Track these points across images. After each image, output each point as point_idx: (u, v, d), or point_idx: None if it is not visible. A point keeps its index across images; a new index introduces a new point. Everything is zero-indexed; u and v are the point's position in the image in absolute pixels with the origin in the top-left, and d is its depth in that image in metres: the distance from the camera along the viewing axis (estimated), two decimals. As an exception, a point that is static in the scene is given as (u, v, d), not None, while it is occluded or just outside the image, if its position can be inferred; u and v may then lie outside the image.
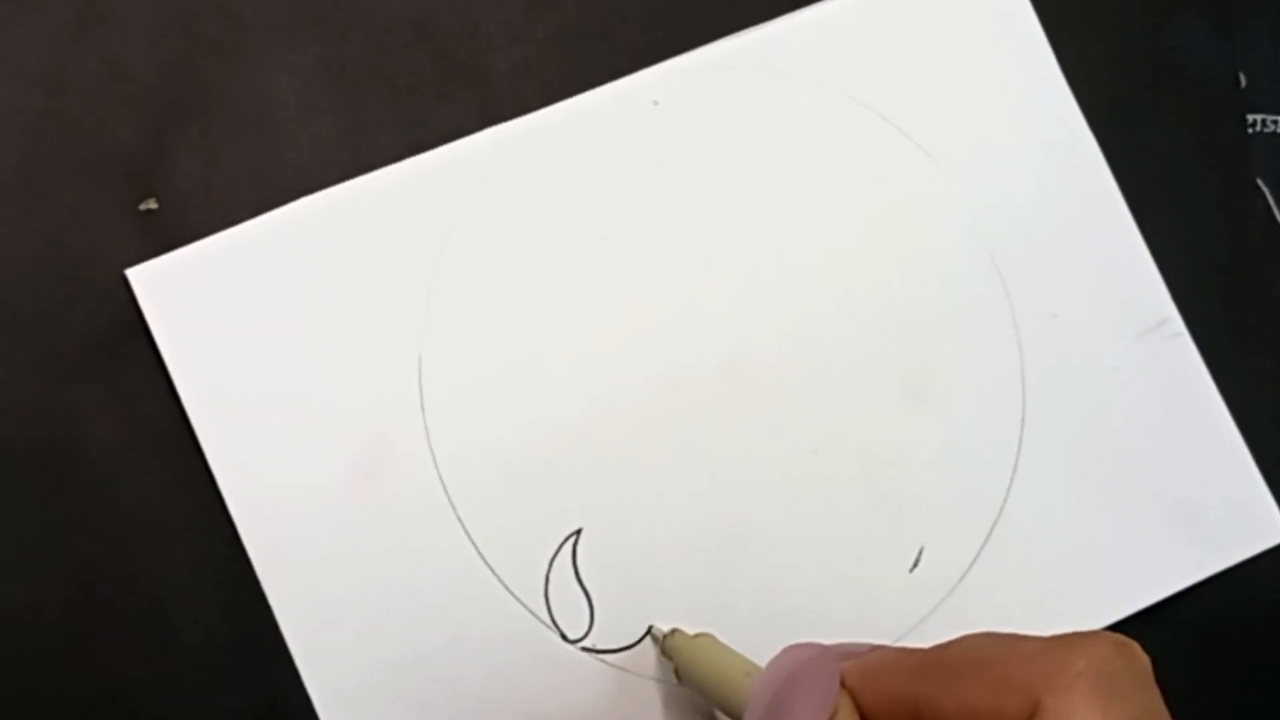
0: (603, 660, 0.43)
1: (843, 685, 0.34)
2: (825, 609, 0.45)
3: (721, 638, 0.41)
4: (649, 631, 0.43)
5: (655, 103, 0.46)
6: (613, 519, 0.44)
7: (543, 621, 0.43)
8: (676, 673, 0.41)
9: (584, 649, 0.43)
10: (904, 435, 0.46)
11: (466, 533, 0.43)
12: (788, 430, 0.45)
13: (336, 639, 0.42)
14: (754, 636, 0.43)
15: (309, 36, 0.45)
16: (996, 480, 0.46)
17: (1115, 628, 0.46)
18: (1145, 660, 0.31)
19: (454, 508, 0.43)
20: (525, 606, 0.43)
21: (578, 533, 0.44)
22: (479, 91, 0.45)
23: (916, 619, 0.45)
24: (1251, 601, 0.47)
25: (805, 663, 0.35)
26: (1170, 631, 0.46)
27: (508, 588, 0.43)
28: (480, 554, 0.43)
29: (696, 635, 0.41)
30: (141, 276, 0.43)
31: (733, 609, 0.44)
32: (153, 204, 0.43)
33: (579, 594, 0.44)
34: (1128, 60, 0.50)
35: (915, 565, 0.45)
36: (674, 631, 0.42)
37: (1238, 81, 0.50)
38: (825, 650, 0.36)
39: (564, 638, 0.43)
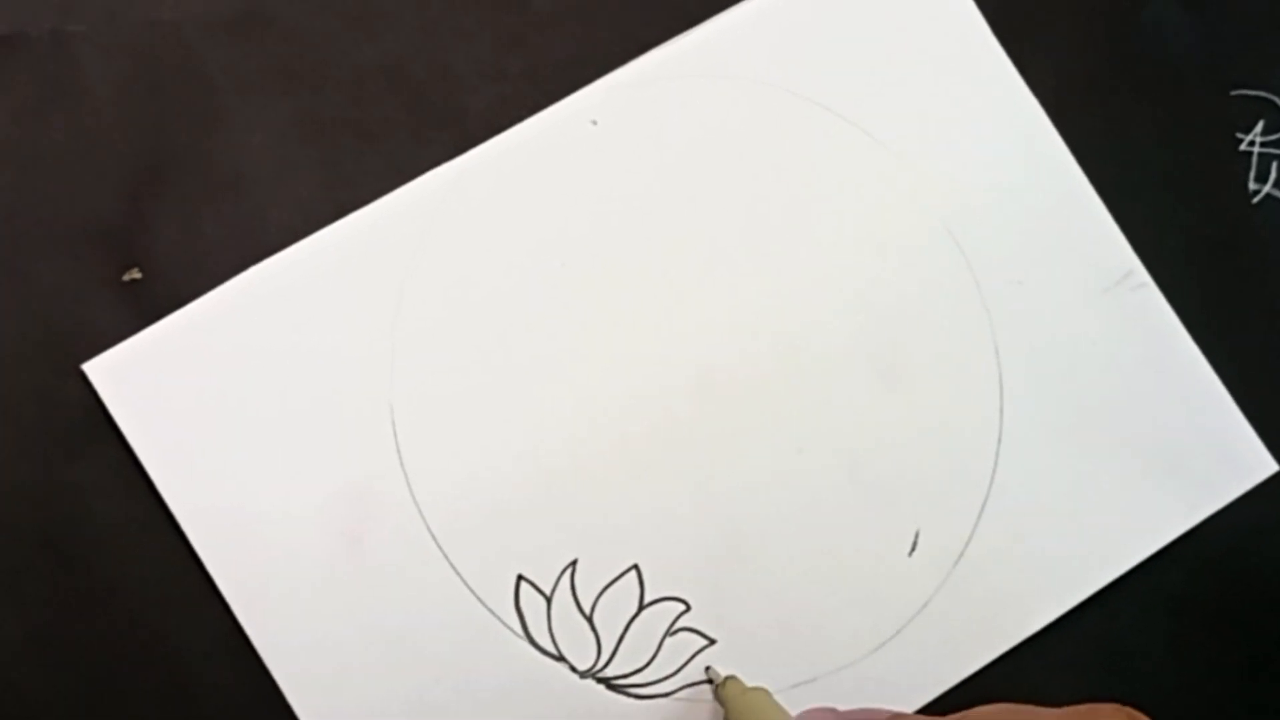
0: (615, 688, 0.43)
1: None
2: (829, 605, 0.44)
3: (776, 695, 0.42)
4: (707, 671, 0.43)
5: (594, 122, 0.46)
6: (606, 544, 0.44)
7: (550, 655, 0.43)
8: (725, 717, 0.42)
9: (597, 679, 0.43)
10: (885, 422, 0.46)
11: (460, 577, 0.43)
12: (769, 433, 0.45)
13: (343, 703, 0.42)
14: (761, 643, 0.44)
15: (280, 91, 0.45)
16: (983, 453, 0.46)
17: (1119, 584, 0.46)
18: None
19: (444, 554, 0.43)
20: (532, 643, 0.43)
21: (574, 563, 0.43)
22: (455, 131, 0.45)
23: (921, 602, 0.45)
24: (1246, 544, 0.47)
25: None
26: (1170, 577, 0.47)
27: (509, 627, 0.43)
28: (477, 597, 0.43)
29: (753, 689, 0.42)
30: (99, 369, 0.42)
31: (737, 617, 0.44)
32: (136, 274, 0.43)
33: (583, 624, 0.43)
34: (1095, 35, 0.50)
35: (913, 549, 0.45)
36: (730, 680, 0.42)
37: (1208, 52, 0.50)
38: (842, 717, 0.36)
39: (573, 669, 0.43)
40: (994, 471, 0.46)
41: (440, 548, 0.43)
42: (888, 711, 0.36)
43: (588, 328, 0.45)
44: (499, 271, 0.45)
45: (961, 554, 0.45)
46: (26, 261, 0.43)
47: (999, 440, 0.46)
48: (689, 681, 0.43)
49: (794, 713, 0.41)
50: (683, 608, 0.44)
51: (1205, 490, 0.47)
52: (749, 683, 0.42)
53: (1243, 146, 0.50)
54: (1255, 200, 0.49)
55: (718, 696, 0.42)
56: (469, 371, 0.44)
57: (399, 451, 0.43)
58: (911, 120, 0.48)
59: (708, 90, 0.47)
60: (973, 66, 0.48)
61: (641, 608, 0.44)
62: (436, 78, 0.46)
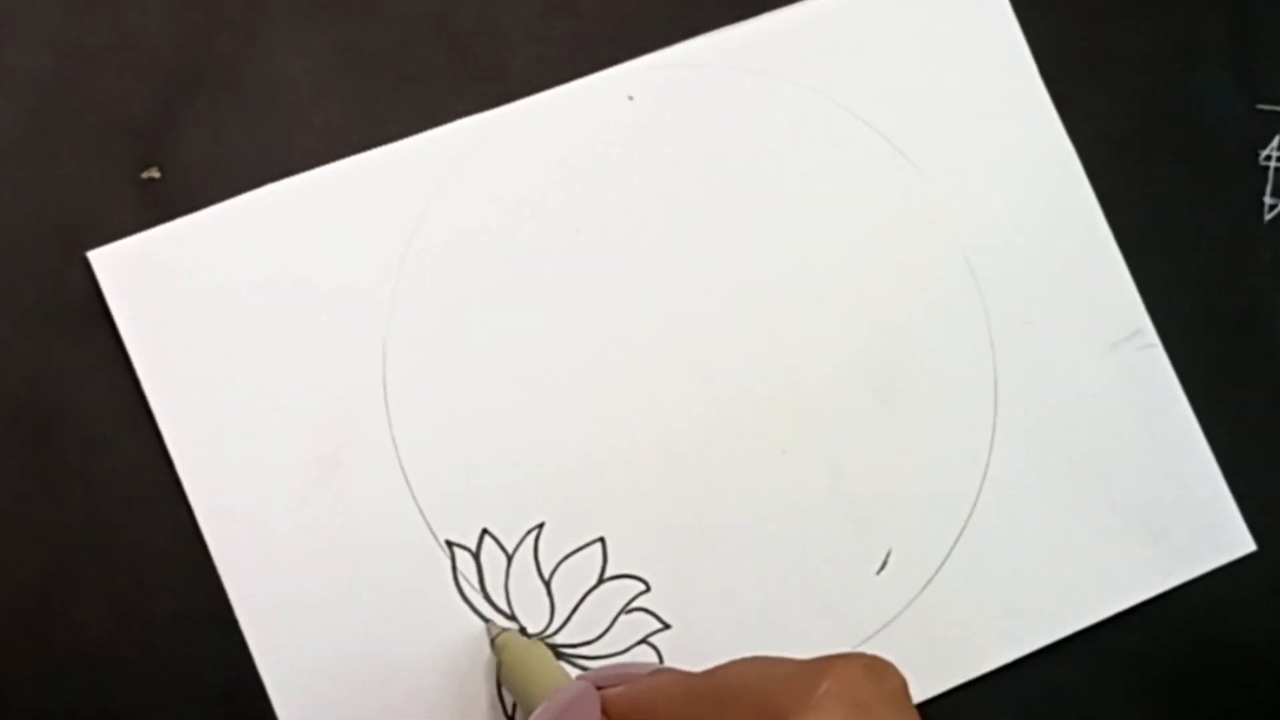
0: (561, 656, 0.43)
1: (606, 715, 0.35)
2: (789, 610, 0.44)
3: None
4: (488, 626, 0.43)
5: (630, 98, 0.46)
6: (576, 513, 0.44)
7: (502, 613, 0.43)
8: (499, 670, 0.41)
9: (545, 644, 0.43)
10: (875, 438, 0.46)
11: (425, 520, 0.43)
12: (757, 430, 0.45)
13: (291, 624, 0.42)
14: (720, 634, 0.43)
15: (328, 20, 0.45)
16: (966, 486, 0.46)
17: (1080, 635, 0.45)
18: (898, 680, 0.31)
19: (413, 496, 0.43)
20: (486, 597, 0.43)
21: (540, 526, 0.43)
22: (493, 86, 0.45)
23: (882, 622, 0.45)
24: (1213, 614, 0.47)
25: (578, 695, 0.36)
26: (1126, 642, 0.46)
27: (465, 579, 0.43)
28: (438, 541, 0.43)
29: (531, 641, 0.42)
30: (103, 258, 0.42)
31: (698, 606, 0.44)
32: (155, 173, 0.43)
33: (540, 588, 0.43)
34: (1141, 92, 0.50)
35: (883, 567, 0.45)
36: (505, 631, 0.42)
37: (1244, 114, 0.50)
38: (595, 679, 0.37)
39: (523, 631, 0.43)
40: (975, 505, 0.46)
41: (410, 488, 0.43)
42: (650, 666, 0.37)
43: (591, 298, 0.45)
44: (512, 229, 0.45)
45: (929, 581, 0.45)
46: (52, 146, 0.43)
47: (984, 475, 0.46)
48: (636, 661, 0.43)
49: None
50: (642, 588, 0.44)
51: (1180, 558, 0.47)
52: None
53: (1267, 216, 0.50)
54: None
55: (494, 650, 0.42)
56: (467, 322, 0.44)
57: (385, 389, 0.43)
58: (947, 146, 0.48)
59: (747, 85, 0.47)
60: (1016, 103, 0.48)
61: (601, 581, 0.43)
62: (483, 31, 0.46)
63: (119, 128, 0.43)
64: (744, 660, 0.33)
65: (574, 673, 0.42)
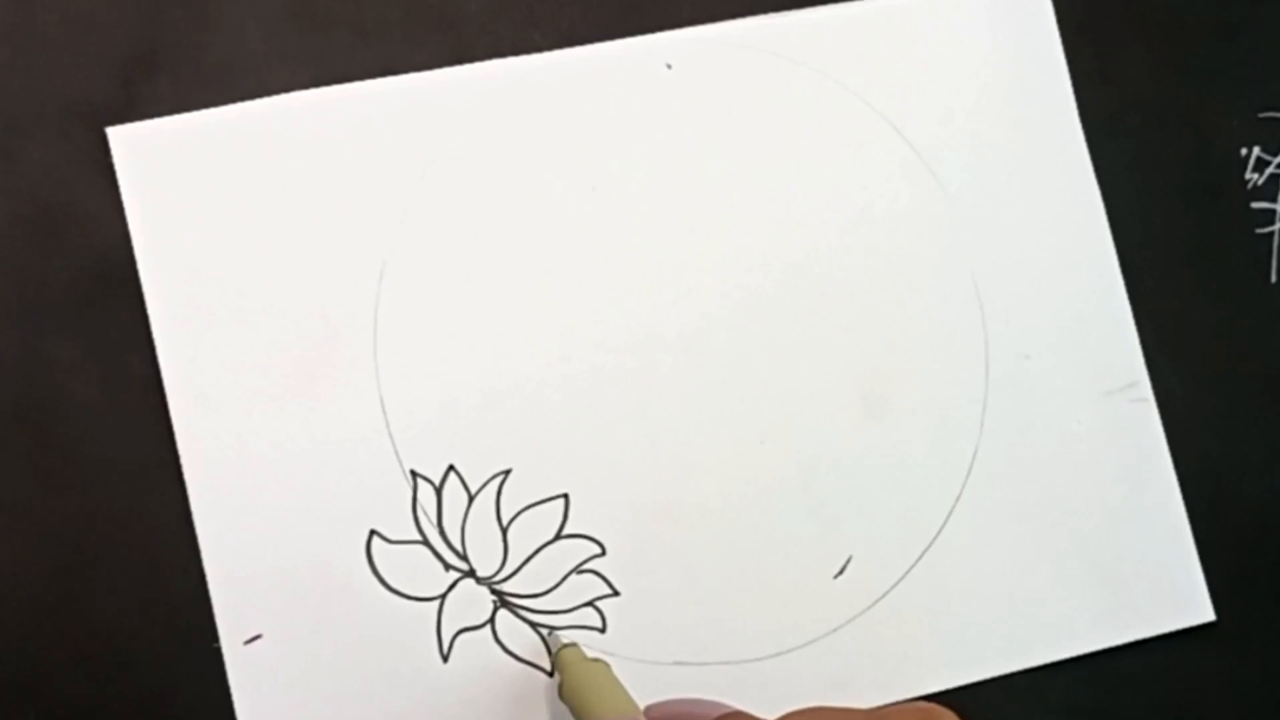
0: (507, 604, 0.43)
1: None
2: (740, 599, 0.44)
3: (656, 669, 0.41)
4: (548, 634, 0.42)
5: (669, 66, 0.46)
6: (544, 467, 0.43)
7: (455, 552, 0.43)
8: (560, 687, 0.41)
9: (492, 589, 0.43)
10: (854, 443, 0.45)
11: (395, 449, 0.43)
12: (737, 414, 0.45)
13: (244, 528, 0.42)
14: (660, 611, 0.43)
15: None
16: (938, 506, 0.46)
17: (1025, 673, 0.45)
18: None
19: (386, 419, 0.43)
20: (443, 534, 0.43)
21: (507, 472, 0.43)
22: (449, 34, 0.45)
23: (831, 627, 0.44)
24: (1161, 678, 0.47)
25: None
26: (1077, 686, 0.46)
27: (425, 512, 0.43)
28: (404, 472, 0.43)
29: (593, 659, 0.41)
30: (122, 137, 0.42)
31: (646, 579, 0.43)
32: None
33: (496, 533, 0.43)
34: (1178, 148, 0.49)
35: (840, 573, 0.45)
36: (571, 646, 0.42)
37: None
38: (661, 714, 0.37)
39: (472, 572, 0.43)
40: (942, 527, 0.46)
41: (384, 412, 0.43)
42: (730, 708, 0.36)
43: (597, 256, 0.45)
44: (529, 176, 0.45)
45: (884, 595, 0.45)
46: (15, 141, 0.42)
47: (956, 499, 0.46)
48: (578, 623, 0.43)
49: (632, 691, 0.40)
50: (597, 550, 0.43)
51: (1138, 616, 0.46)
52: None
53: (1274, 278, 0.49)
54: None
55: (554, 664, 0.42)
56: (470, 259, 0.44)
57: (376, 310, 0.43)
58: (974, 167, 0.47)
59: (786, 73, 0.47)
60: (1048, 136, 0.48)
61: (558, 537, 0.43)
62: None
63: (81, 114, 0.43)
64: (805, 711, 0.33)
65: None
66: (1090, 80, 0.49)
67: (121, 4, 0.43)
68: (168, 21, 0.44)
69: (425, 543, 0.42)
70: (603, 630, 0.43)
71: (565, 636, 0.42)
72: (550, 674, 0.42)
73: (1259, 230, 0.49)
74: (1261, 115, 0.50)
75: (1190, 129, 0.49)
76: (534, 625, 0.43)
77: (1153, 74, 0.49)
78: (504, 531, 0.43)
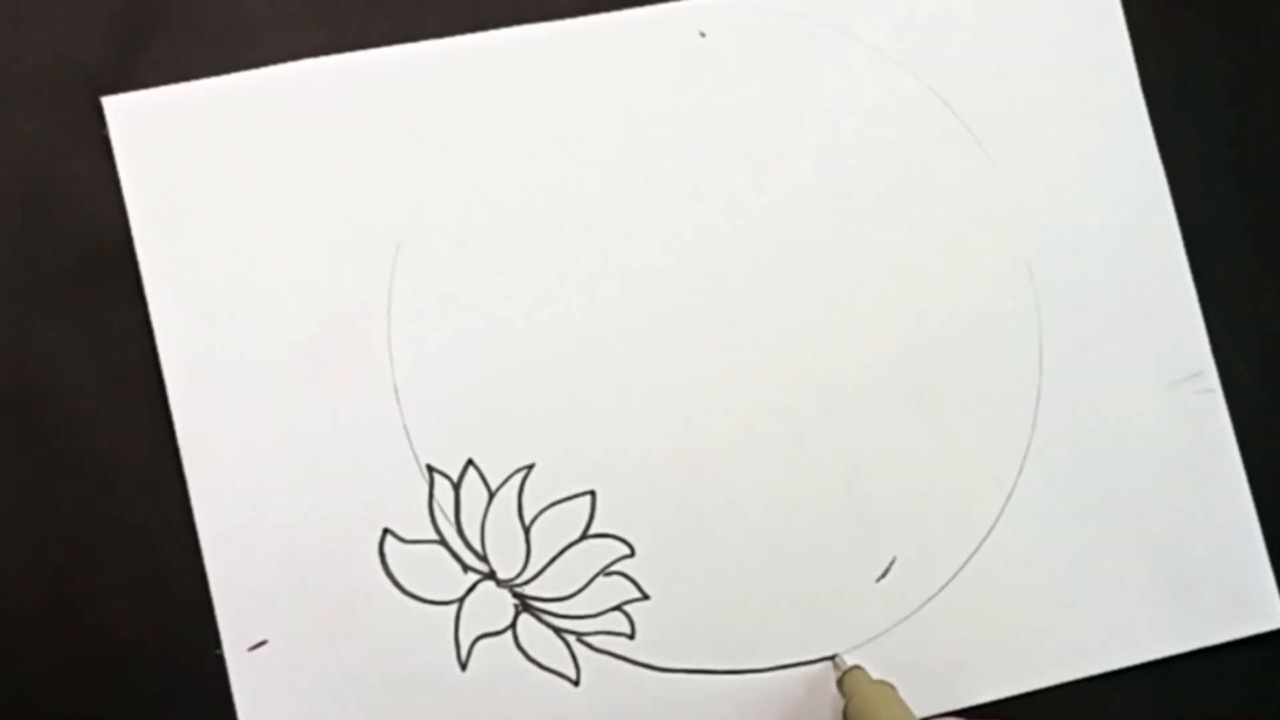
0: (530, 608, 0.40)
1: None
2: (779, 602, 0.42)
3: (903, 693, 0.40)
4: (833, 659, 0.41)
5: (702, 34, 0.43)
6: (569, 462, 0.41)
7: (475, 551, 0.40)
8: (845, 710, 0.40)
9: (514, 592, 0.40)
10: (901, 442, 0.43)
11: (410, 442, 0.41)
12: (775, 407, 0.42)
13: (250, 530, 0.40)
14: (691, 616, 0.41)
15: None
16: (988, 505, 0.43)
17: (1083, 683, 0.43)
18: None
19: (401, 411, 0.41)
20: (460, 533, 0.40)
21: (529, 468, 0.41)
22: (465, 3, 0.43)
23: (874, 632, 0.42)
24: (1229, 683, 0.44)
25: None
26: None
27: (442, 509, 0.40)
28: (420, 467, 0.41)
29: (879, 681, 0.40)
30: (117, 106, 0.40)
31: (678, 581, 0.41)
32: None
33: (519, 532, 0.41)
34: (1250, 130, 0.47)
35: (883, 576, 0.42)
36: (855, 669, 0.40)
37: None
38: None
39: (492, 574, 0.40)
40: (993, 527, 0.43)
41: (399, 402, 0.41)
42: None
43: (628, 235, 0.43)
44: (554, 152, 0.43)
45: (930, 599, 0.42)
46: (8, 113, 0.41)
47: (1009, 497, 0.43)
48: (606, 628, 0.41)
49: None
50: (626, 551, 0.41)
51: (1204, 621, 0.44)
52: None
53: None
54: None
55: (840, 688, 0.40)
56: (492, 238, 0.42)
57: (390, 293, 0.41)
58: (1028, 144, 0.45)
59: (827, 41, 0.44)
60: (1111, 118, 0.46)
61: (584, 536, 0.41)
62: None
63: (77, 82, 0.41)
64: None
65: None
66: (1154, 50, 0.46)
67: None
68: (164, -17, 0.42)
69: (442, 542, 0.40)
70: (631, 636, 0.41)
71: (846, 658, 0.41)
72: (575, 683, 0.40)
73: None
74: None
75: (1262, 103, 0.47)
76: (559, 631, 0.40)
77: (1222, 46, 0.47)
78: (526, 531, 0.41)
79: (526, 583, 0.41)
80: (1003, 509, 0.43)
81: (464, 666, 0.40)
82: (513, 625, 0.40)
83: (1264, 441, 0.45)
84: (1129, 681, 0.43)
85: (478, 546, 0.41)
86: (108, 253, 0.40)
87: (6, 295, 0.40)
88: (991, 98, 0.45)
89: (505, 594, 0.40)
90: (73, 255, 0.40)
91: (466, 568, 0.40)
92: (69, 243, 0.40)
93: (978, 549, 0.43)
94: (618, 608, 0.41)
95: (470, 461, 0.41)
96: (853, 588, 0.42)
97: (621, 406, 0.42)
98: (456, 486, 0.41)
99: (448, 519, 0.40)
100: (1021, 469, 0.44)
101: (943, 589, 0.43)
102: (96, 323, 0.40)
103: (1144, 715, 0.43)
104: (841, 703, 0.40)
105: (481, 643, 0.40)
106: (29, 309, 0.40)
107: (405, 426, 0.41)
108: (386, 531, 0.40)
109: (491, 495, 0.41)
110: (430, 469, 0.41)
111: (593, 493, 0.41)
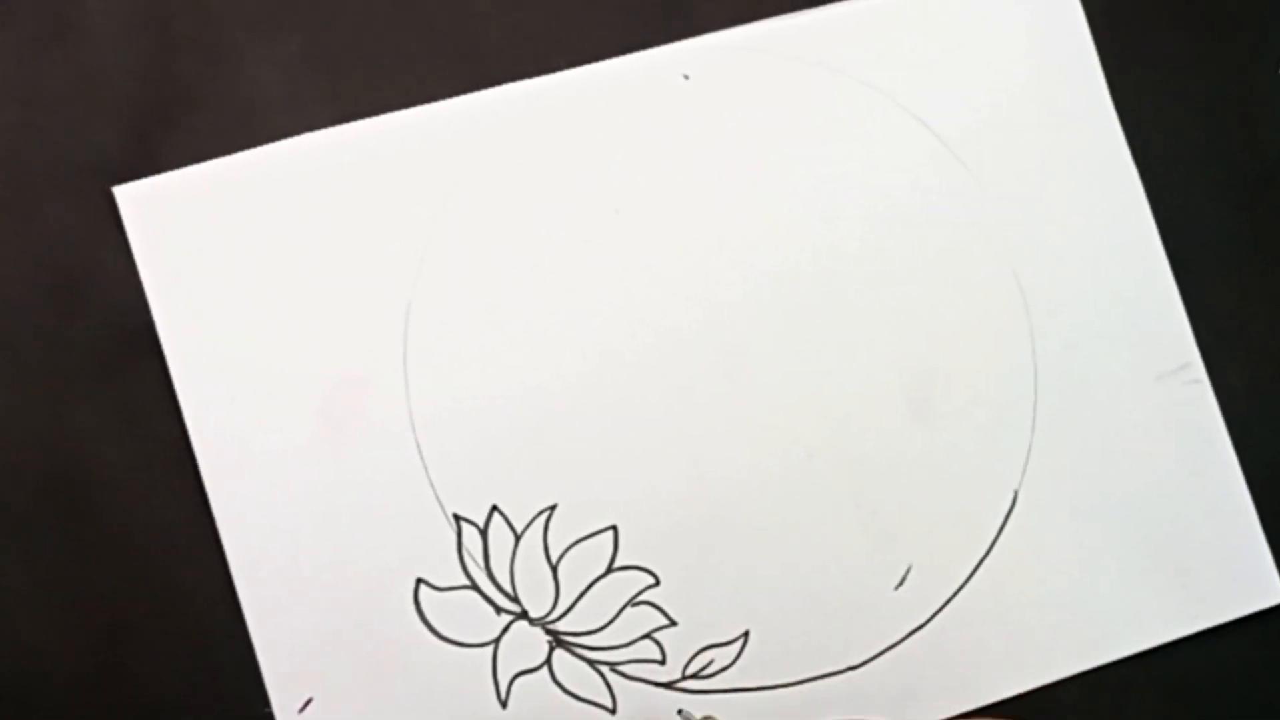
0: (563, 643, 0.41)
1: None
2: (799, 620, 0.43)
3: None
4: (680, 714, 0.41)
5: (686, 77, 0.45)
6: (590, 500, 0.42)
7: (506, 594, 0.41)
8: None
9: (547, 629, 0.41)
10: (904, 450, 0.44)
11: (435, 494, 0.41)
12: (781, 429, 0.44)
13: (285, 589, 0.40)
14: (719, 638, 0.42)
15: (289, 24, 0.43)
16: (995, 508, 0.44)
17: (1104, 670, 0.44)
18: None
19: (424, 464, 0.42)
20: (491, 577, 0.41)
21: (552, 508, 0.42)
22: (469, 64, 0.44)
23: (896, 638, 0.43)
24: (1236, 660, 0.45)
25: None
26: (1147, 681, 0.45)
27: (472, 555, 0.41)
28: (447, 517, 0.41)
29: None
30: (129, 195, 0.41)
31: (703, 606, 0.42)
32: None
33: (546, 571, 0.42)
34: (1223, 142, 0.48)
35: (901, 583, 0.43)
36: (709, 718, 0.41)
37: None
38: None
39: (524, 613, 0.41)
40: (1001, 529, 0.44)
41: (421, 457, 0.42)
42: None
43: (625, 280, 0.44)
44: (549, 203, 0.44)
45: (948, 602, 0.44)
46: (32, 203, 0.42)
47: (1014, 499, 0.45)
48: (637, 657, 0.42)
49: None
50: (651, 581, 0.42)
51: (1208, 603, 0.45)
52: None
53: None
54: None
55: None
56: (495, 292, 0.43)
57: (405, 352, 0.42)
58: (1005, 155, 0.46)
59: (807, 76, 0.45)
60: (1081, 120, 0.47)
61: (610, 570, 0.42)
62: (449, 6, 0.44)
63: (97, 170, 0.42)
64: None
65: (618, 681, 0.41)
66: (1125, 65, 0.47)
67: (132, 57, 0.42)
68: (180, 72, 0.43)
69: (474, 587, 0.41)
70: (663, 662, 0.42)
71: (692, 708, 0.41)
72: (612, 711, 0.41)
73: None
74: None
75: (1235, 114, 0.48)
76: (592, 664, 0.41)
77: (1192, 60, 0.48)
78: (554, 569, 0.42)
79: (558, 619, 0.42)
80: (1010, 510, 0.44)
81: (504, 704, 0.41)
82: (548, 661, 0.41)
83: (1253, 435, 0.46)
84: (1144, 666, 0.44)
85: (508, 588, 0.42)
86: (134, 335, 0.41)
87: (40, 382, 0.41)
88: (969, 117, 0.46)
89: (538, 631, 0.42)
90: (101, 340, 0.41)
91: (499, 609, 0.41)
92: (97, 328, 0.41)
93: (989, 551, 0.44)
94: (647, 636, 0.42)
95: (495, 507, 0.42)
96: (873, 597, 0.43)
97: (636, 443, 0.43)
98: (483, 532, 0.42)
99: (477, 564, 0.42)
100: (1025, 469, 0.45)
101: (959, 591, 0.44)
102: (127, 402, 0.41)
103: (1164, 696, 0.44)
104: None
105: (519, 680, 0.41)
106: (63, 394, 0.41)
107: (430, 479, 0.42)
108: (420, 581, 0.41)
109: (518, 538, 0.42)
110: (457, 517, 0.42)
111: (615, 528, 0.42)
